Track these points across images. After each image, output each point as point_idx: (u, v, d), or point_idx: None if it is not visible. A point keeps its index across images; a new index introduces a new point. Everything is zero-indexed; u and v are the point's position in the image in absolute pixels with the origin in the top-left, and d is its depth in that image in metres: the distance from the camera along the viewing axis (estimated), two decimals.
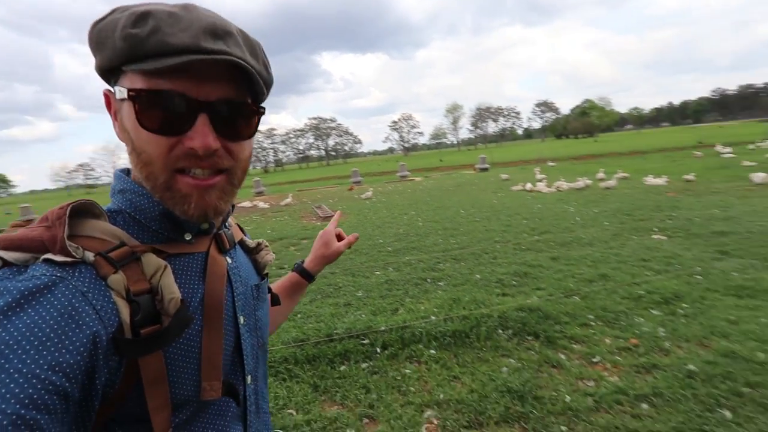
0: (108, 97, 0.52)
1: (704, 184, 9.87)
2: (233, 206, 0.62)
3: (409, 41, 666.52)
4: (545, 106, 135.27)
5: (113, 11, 0.48)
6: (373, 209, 10.80)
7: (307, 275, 0.93)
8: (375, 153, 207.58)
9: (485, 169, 22.71)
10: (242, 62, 0.47)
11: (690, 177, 10.72)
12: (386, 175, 27.82)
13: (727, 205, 7.16)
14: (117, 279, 0.44)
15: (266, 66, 0.55)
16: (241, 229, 0.72)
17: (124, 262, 0.46)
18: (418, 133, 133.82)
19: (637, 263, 4.45)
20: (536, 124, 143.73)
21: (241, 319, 0.60)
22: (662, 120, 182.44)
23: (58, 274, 0.42)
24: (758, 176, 9.28)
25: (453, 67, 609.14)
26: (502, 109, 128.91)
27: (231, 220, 0.67)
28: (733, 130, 44.40)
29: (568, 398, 2.29)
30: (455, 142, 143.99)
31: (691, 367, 2.44)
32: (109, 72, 0.50)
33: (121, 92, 0.48)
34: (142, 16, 0.45)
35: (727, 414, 2.04)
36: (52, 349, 0.38)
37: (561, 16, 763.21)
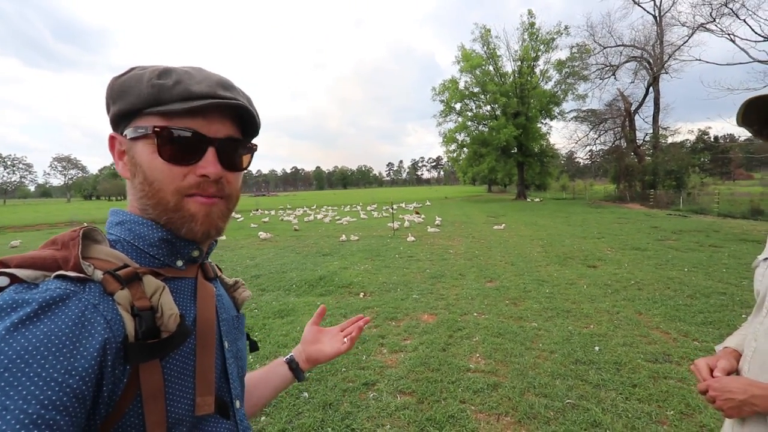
0: (113, 140, 0.55)
1: (234, 242, 11.92)
2: (215, 241, 0.62)
3: None
4: (68, 162, 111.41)
5: (133, 69, 0.53)
6: None
7: (298, 374, 0.84)
8: None
9: None
10: (249, 107, 0.56)
11: (223, 237, 12.65)
12: None
13: (253, 255, 9.14)
14: (124, 295, 0.46)
15: (257, 114, 0.62)
16: (219, 268, 0.71)
17: (128, 281, 0.47)
18: None
19: None
20: (56, 181, 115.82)
21: (226, 344, 0.60)
22: None
23: (71, 288, 0.43)
24: (263, 234, 12.44)
25: None
26: (2, 157, 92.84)
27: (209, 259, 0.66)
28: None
29: None
30: None
31: None
32: (123, 117, 0.53)
33: (137, 131, 0.51)
34: (165, 71, 0.52)
35: (305, 394, 2.82)
36: (68, 355, 0.39)
37: (74, 68, 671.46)
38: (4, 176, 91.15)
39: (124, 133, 0.53)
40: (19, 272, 0.42)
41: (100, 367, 0.41)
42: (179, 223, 0.53)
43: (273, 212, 25.24)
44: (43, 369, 0.37)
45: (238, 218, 20.96)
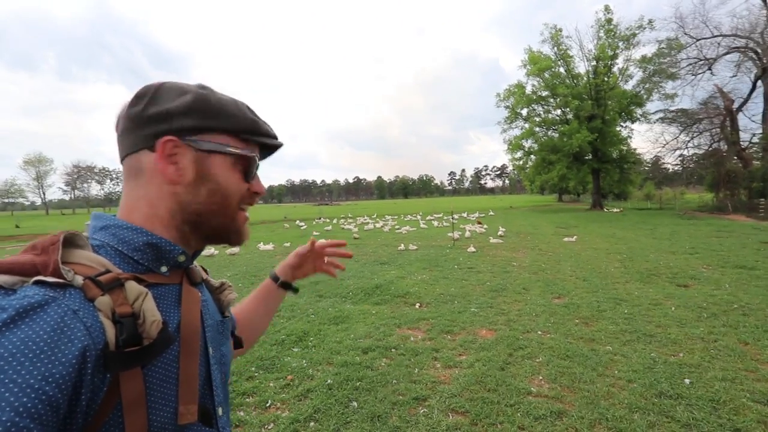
0: (170, 144, 0.54)
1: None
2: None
3: None
4: None
5: (206, 88, 0.58)
6: None
7: (293, 288, 0.96)
8: None
9: None
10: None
11: (287, 244, 13.36)
12: None
13: None
14: (104, 301, 0.45)
15: None
16: (204, 270, 0.71)
17: (110, 287, 0.46)
18: None
19: None
20: None
21: (211, 350, 0.59)
22: None
23: (51, 294, 0.42)
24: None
25: (29, 108, 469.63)
26: (109, 171, 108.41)
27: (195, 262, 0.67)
28: (302, 209, 58.86)
29: None
30: (39, 204, 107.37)
31: (329, 381, 3.15)
32: (198, 130, 0.55)
33: (222, 147, 0.56)
34: (249, 106, 0.61)
35: (354, 404, 2.81)
36: (46, 361, 0.38)
37: None
38: (111, 188, 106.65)
39: (190, 142, 0.54)
40: None
41: (78, 374, 0.40)
42: (233, 230, 0.61)
43: (335, 220, 26.12)
44: (19, 375, 0.36)
45: (302, 226, 22.02)
